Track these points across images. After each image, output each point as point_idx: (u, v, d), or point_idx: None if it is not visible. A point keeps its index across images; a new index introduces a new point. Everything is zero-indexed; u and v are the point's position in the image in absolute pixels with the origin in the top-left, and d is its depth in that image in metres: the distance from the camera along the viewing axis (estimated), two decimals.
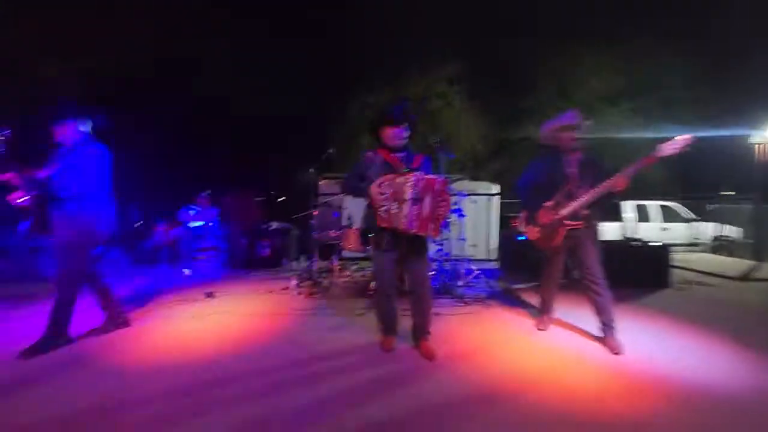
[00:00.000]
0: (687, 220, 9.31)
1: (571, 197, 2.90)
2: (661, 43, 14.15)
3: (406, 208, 2.50)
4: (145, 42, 11.91)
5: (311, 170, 4.87)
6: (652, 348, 2.88)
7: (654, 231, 9.46)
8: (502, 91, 15.36)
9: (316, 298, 4.34)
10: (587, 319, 3.14)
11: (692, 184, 13.69)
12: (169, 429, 1.86)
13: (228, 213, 6.30)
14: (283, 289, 4.72)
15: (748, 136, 8.94)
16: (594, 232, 2.97)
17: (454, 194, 4.85)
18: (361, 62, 15.11)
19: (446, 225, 4.73)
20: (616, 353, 2.75)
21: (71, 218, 2.77)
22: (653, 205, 9.78)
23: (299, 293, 4.52)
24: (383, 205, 2.55)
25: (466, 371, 2.50)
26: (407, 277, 2.85)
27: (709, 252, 8.54)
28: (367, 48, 15.13)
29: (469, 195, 7.84)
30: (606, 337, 2.88)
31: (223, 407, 2.04)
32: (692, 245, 8.68)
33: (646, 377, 2.40)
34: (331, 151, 4.91)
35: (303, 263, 6.17)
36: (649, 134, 14.11)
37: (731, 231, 8.56)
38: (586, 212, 2.90)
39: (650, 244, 5.08)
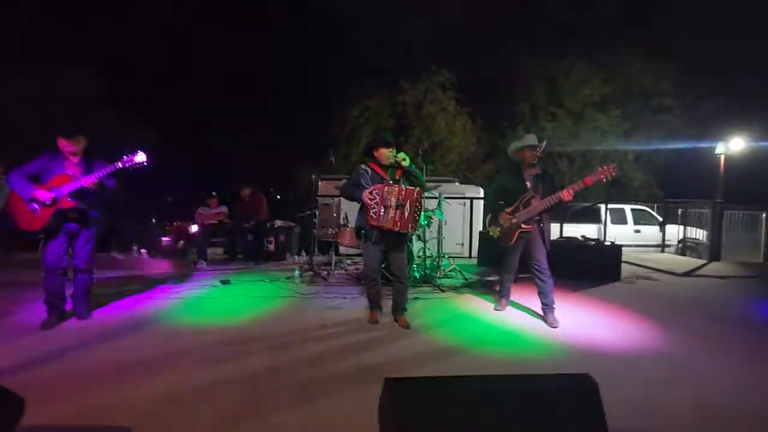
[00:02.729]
0: (656, 223, 10.09)
1: (527, 205, 3.66)
2: (649, 52, 14.93)
3: (392, 211, 3.28)
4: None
5: (313, 176, 5.60)
6: (582, 323, 3.66)
7: (628, 233, 10.23)
8: (495, 96, 16.13)
9: (315, 285, 5.10)
10: (534, 303, 3.89)
11: (674, 189, 14.45)
12: (206, 370, 2.60)
13: (238, 211, 7.04)
14: (287, 278, 5.46)
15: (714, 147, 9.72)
16: (543, 232, 3.72)
17: (437, 197, 5.60)
18: (361, 68, 15.85)
19: (429, 224, 5.47)
20: (553, 327, 3.51)
21: None
22: (627, 209, 10.56)
23: (301, 281, 5.26)
24: (373, 208, 3.31)
25: (434, 336, 3.28)
26: (390, 265, 3.61)
27: (677, 253, 9.30)
28: (366, 54, 15.87)
29: (456, 198, 8.59)
30: (546, 315, 3.64)
31: (244, 357, 2.79)
32: (662, 246, 9.44)
33: (568, 341, 3.17)
34: (331, 158, 5.65)
35: (305, 257, 6.93)
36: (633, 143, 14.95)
37: (697, 234, 9.32)
38: (537, 218, 3.67)
39: (604, 243, 5.86)
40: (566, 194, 3.47)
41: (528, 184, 3.70)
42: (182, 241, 7.13)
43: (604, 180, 3.47)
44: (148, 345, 3.00)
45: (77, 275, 3.51)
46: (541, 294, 3.67)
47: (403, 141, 14.42)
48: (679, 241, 9.08)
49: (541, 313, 3.74)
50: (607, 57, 15.09)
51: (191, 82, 16.23)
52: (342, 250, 6.66)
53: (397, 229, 3.29)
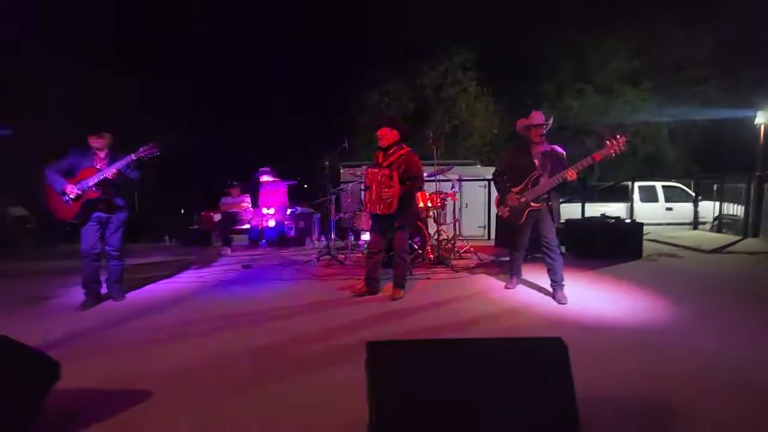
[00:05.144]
0: (690, 200, 9.64)
1: (536, 183, 3.63)
2: (682, 21, 14.03)
3: (366, 194, 3.62)
4: None
5: (326, 163, 5.71)
6: (591, 300, 3.64)
7: (659, 211, 9.84)
8: (519, 75, 15.64)
9: (332, 268, 5.26)
10: (545, 281, 3.89)
11: (711, 164, 13.69)
12: (223, 342, 2.79)
13: (259, 199, 7.30)
14: (306, 262, 5.66)
15: (754, 117, 9.14)
16: (552, 210, 3.70)
17: (451, 179, 5.61)
18: (379, 50, 15.69)
19: (444, 207, 5.51)
20: (562, 303, 3.51)
21: None
22: (658, 186, 10.12)
23: (319, 265, 5.45)
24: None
25: (442, 313, 3.36)
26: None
27: (713, 230, 8.87)
28: (384, 35, 15.68)
29: (477, 180, 8.54)
30: (555, 291, 3.64)
31: (258, 331, 2.98)
32: (694, 224, 9.04)
33: (575, 316, 3.18)
34: (345, 145, 5.74)
35: (324, 242, 7.12)
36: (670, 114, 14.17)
37: (735, 210, 8.84)
38: (545, 196, 3.64)
39: (624, 220, 5.70)
40: (570, 173, 3.44)
41: (536, 162, 3.67)
42: (207, 229, 7.48)
43: (614, 154, 3.40)
44: (174, 322, 3.24)
45: (109, 261, 3.81)
46: (551, 271, 3.67)
47: (424, 125, 14.31)
48: (715, 218, 8.65)
49: (550, 290, 3.74)
50: (638, 28, 14.29)
51: (210, 76, 16.64)
52: (361, 234, 6.81)
53: (368, 211, 3.60)
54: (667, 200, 10.07)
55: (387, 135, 3.71)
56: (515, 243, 3.98)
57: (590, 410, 1.49)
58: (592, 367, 2.17)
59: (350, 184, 6.66)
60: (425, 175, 6.52)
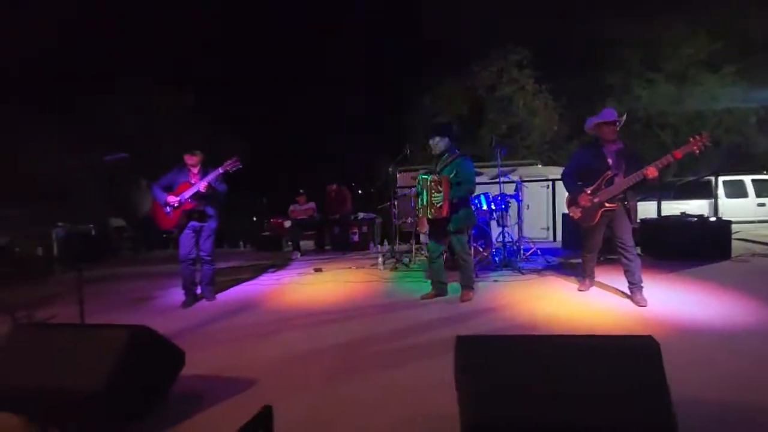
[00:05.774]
0: None
1: (610, 183, 3.54)
2: None
3: (419, 200, 3.82)
4: None
5: (390, 170, 5.90)
6: (674, 302, 3.46)
7: (749, 207, 8.93)
8: (579, 69, 14.93)
9: (397, 271, 5.43)
10: (620, 283, 3.75)
11: None
12: (311, 337, 3.04)
13: (325, 206, 7.70)
14: (372, 265, 5.88)
15: None
16: (627, 210, 3.58)
17: (513, 181, 5.56)
18: (434, 53, 15.72)
19: (506, 209, 5.47)
20: (641, 306, 3.38)
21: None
22: (747, 180, 9.19)
23: (384, 268, 5.64)
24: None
25: (513, 314, 3.38)
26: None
27: None
28: (436, 37, 15.69)
29: (539, 180, 8.33)
30: (633, 293, 3.50)
31: (341, 328, 3.20)
32: None
33: (657, 318, 3.06)
34: (407, 151, 5.90)
35: (387, 246, 7.33)
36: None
37: None
38: (621, 195, 3.53)
39: (709, 219, 5.27)
40: (651, 171, 3.30)
41: (609, 161, 3.57)
42: (278, 235, 8.02)
43: (697, 151, 3.23)
44: (263, 320, 3.58)
45: (203, 265, 4.27)
46: (628, 272, 3.53)
47: (477, 127, 14.15)
48: None
49: (627, 293, 3.61)
50: (716, 8, 13.07)
51: (277, 90, 17.71)
52: (422, 238, 6.92)
53: (421, 215, 3.83)
54: (758, 195, 9.11)
55: (439, 142, 3.85)
56: (587, 244, 3.88)
57: (686, 412, 1.49)
58: (683, 368, 2.11)
59: (412, 189, 6.80)
60: (488, 178, 6.58)
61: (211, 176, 4.02)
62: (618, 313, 3.26)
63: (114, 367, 1.66)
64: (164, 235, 7.10)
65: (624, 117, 3.67)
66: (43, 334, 1.88)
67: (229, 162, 4.07)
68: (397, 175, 8.66)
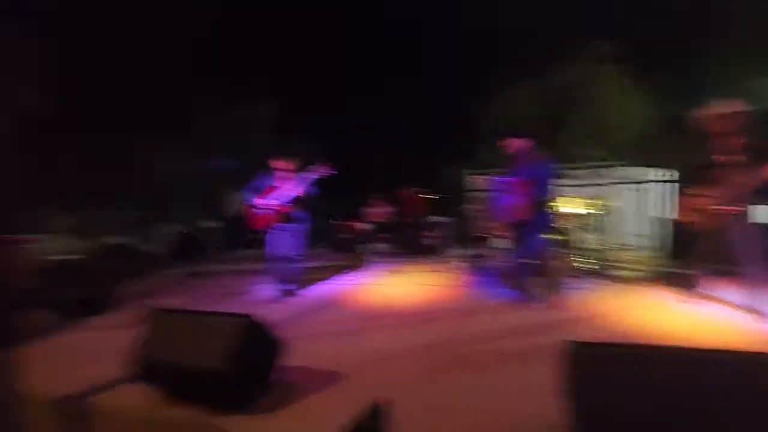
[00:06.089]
0: None
1: (728, 184, 3.17)
2: None
3: (496, 203, 3.73)
4: None
5: (465, 175, 5.84)
6: None
7: None
8: (672, 63, 13.50)
9: (472, 275, 5.35)
10: (732, 294, 3.34)
11: None
12: (396, 337, 3.11)
13: (400, 209, 7.83)
14: (447, 269, 5.85)
15: None
16: (745, 214, 3.19)
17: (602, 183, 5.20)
18: (508, 55, 15.23)
19: (600, 213, 5.14)
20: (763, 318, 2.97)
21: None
22: None
23: (461, 271, 5.58)
24: None
25: (608, 323, 3.18)
26: None
27: None
28: (506, 36, 15.17)
29: (629, 183, 7.67)
30: (753, 306, 3.10)
31: (422, 329, 3.24)
32: None
33: None
34: (483, 155, 5.81)
35: (460, 250, 7.24)
36: None
37: None
38: (740, 197, 3.15)
39: None
40: None
41: (726, 159, 3.19)
42: (353, 237, 8.30)
43: None
44: (349, 318, 3.74)
45: (291, 264, 4.56)
46: (747, 283, 3.14)
47: (555, 129, 13.40)
48: None
49: (744, 305, 3.20)
50: None
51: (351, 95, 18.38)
52: (496, 242, 6.73)
53: (499, 219, 3.83)
54: None
55: (513, 144, 3.77)
56: (698, 252, 3.51)
57: None
58: None
59: (487, 193, 6.67)
60: (572, 182, 6.22)
61: (306, 180, 4.32)
62: (733, 327, 2.94)
63: (235, 350, 1.86)
64: (249, 236, 7.69)
65: (740, 108, 3.26)
66: (175, 318, 2.15)
67: (324, 168, 4.34)
68: (467, 179, 8.53)
